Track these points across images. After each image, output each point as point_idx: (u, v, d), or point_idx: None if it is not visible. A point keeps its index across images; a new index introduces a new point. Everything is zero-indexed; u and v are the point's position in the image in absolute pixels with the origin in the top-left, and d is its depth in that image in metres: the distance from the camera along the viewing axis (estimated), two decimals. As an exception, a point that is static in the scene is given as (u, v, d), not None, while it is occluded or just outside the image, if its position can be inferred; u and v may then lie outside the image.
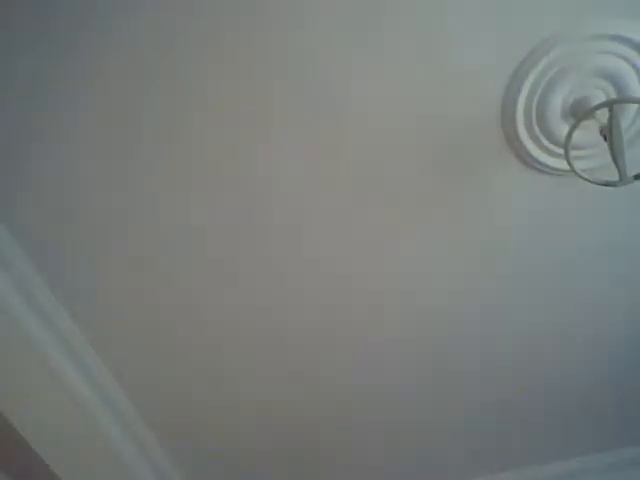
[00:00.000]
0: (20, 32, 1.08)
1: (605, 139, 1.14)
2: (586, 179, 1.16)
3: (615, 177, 1.14)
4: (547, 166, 1.27)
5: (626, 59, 1.16)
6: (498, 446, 1.94)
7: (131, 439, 1.78)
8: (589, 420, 1.88)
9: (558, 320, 1.59)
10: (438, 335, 1.60)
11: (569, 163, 1.15)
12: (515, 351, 1.66)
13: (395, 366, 1.67)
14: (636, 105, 1.20)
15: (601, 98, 1.18)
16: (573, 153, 1.19)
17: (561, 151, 1.23)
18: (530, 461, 2.00)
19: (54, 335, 1.49)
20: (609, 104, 1.10)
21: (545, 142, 1.23)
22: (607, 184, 1.16)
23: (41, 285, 1.42)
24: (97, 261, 1.39)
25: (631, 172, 1.13)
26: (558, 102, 1.19)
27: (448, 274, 1.47)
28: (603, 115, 1.14)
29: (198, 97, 1.17)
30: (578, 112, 1.17)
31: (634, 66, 1.17)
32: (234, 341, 1.58)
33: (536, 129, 1.22)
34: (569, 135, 1.12)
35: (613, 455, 1.99)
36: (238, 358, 1.62)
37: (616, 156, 1.13)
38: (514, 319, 1.58)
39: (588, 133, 1.20)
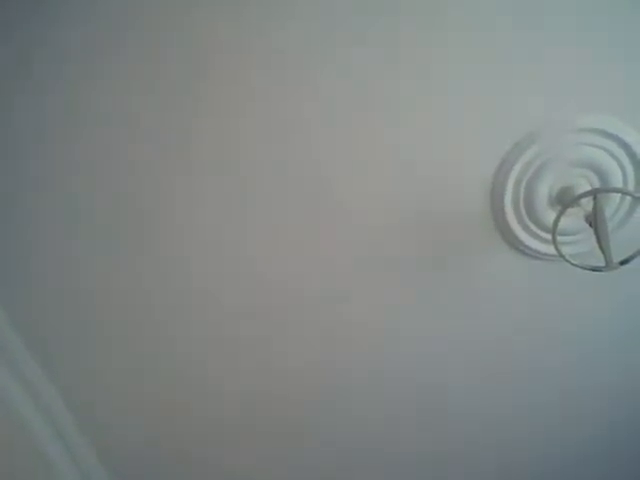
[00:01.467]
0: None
1: (590, 225, 1.19)
2: (574, 264, 1.20)
3: (602, 262, 1.18)
4: (537, 252, 1.31)
5: (609, 152, 1.23)
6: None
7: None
8: None
9: (542, 415, 1.59)
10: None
11: (557, 249, 1.19)
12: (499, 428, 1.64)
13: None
14: (619, 194, 1.25)
15: (585, 187, 1.24)
16: (561, 239, 1.24)
17: (549, 237, 1.27)
18: None
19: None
20: (593, 193, 1.15)
21: (534, 229, 1.28)
22: (594, 269, 1.20)
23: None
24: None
25: (617, 258, 1.17)
26: (544, 191, 1.24)
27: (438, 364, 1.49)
28: (588, 203, 1.19)
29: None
30: (564, 200, 1.23)
31: (616, 158, 1.23)
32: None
33: (525, 217, 1.27)
34: (556, 222, 1.17)
35: None
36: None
37: (601, 242, 1.17)
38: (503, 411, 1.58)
39: (574, 220, 1.25)
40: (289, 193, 1.27)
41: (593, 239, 1.19)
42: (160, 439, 1.61)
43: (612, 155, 1.23)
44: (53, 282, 1.36)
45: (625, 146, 1.22)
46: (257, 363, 1.48)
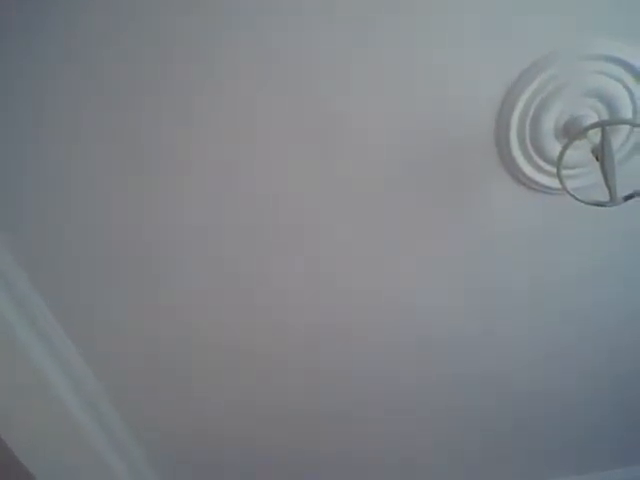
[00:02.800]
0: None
1: (597, 159, 1.15)
2: (577, 198, 1.18)
3: (606, 197, 1.15)
4: (540, 184, 1.28)
5: (620, 81, 1.18)
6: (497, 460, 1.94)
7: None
8: (587, 438, 1.88)
9: (545, 338, 1.60)
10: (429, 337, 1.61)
11: (561, 182, 1.16)
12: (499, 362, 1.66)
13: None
14: (628, 126, 1.21)
15: (594, 118, 1.19)
16: (565, 172, 1.20)
17: (554, 170, 1.24)
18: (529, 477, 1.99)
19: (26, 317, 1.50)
20: (601, 125, 1.11)
21: (538, 160, 1.24)
22: (597, 204, 1.17)
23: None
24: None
25: (622, 193, 1.14)
26: (551, 121, 1.20)
27: (435, 290, 1.48)
28: (595, 135, 1.15)
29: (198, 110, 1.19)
30: (571, 132, 1.19)
31: (627, 88, 1.18)
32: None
33: (529, 147, 1.24)
34: (561, 154, 1.13)
35: (613, 474, 1.97)
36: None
37: (607, 177, 1.14)
38: (500, 336, 1.58)
39: (580, 152, 1.21)
40: (299, 125, 1.23)
41: (598, 173, 1.16)
42: (160, 365, 1.64)
43: (624, 85, 1.18)
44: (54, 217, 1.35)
45: (639, 76, 1.16)
46: (259, 297, 1.48)
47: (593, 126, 1.12)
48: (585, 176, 1.26)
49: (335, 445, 1.89)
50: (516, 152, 1.25)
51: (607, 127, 1.12)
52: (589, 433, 1.86)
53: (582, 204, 1.20)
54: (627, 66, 1.16)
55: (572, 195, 1.17)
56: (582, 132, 1.13)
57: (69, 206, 1.33)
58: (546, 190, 1.29)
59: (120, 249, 1.40)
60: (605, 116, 1.19)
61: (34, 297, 1.46)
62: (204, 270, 1.44)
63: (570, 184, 1.21)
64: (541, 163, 1.25)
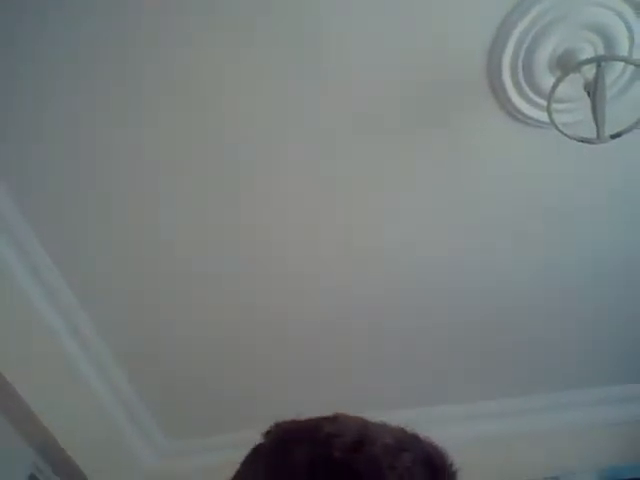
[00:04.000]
0: None
1: (589, 95, 1.14)
2: (564, 133, 1.17)
3: (593, 134, 1.15)
4: (528, 117, 1.27)
5: (619, 15, 1.15)
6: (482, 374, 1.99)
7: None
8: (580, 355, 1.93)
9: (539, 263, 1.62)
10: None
11: (550, 116, 1.15)
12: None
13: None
14: (622, 63, 1.19)
15: (589, 52, 1.17)
16: (555, 106, 1.19)
17: (544, 103, 1.22)
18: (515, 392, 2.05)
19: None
20: (597, 60, 1.10)
21: (529, 93, 1.23)
22: (584, 140, 1.17)
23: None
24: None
25: (609, 131, 1.14)
26: (546, 53, 1.18)
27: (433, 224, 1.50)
28: (589, 70, 1.13)
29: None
30: (565, 65, 1.16)
31: (626, 23, 1.15)
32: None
33: (521, 79, 1.22)
34: (554, 87, 1.12)
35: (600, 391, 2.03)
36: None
37: (597, 113, 1.13)
38: (495, 263, 1.61)
39: (572, 87, 1.19)
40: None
41: (588, 110, 1.15)
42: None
43: (623, 19, 1.15)
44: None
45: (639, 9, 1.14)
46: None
47: (588, 61, 1.10)
48: (575, 112, 1.25)
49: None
50: (507, 82, 1.23)
51: (602, 63, 1.10)
52: (589, 349, 1.92)
53: (568, 140, 1.19)
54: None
55: (559, 130, 1.17)
56: (577, 66, 1.11)
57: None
58: (534, 123, 1.28)
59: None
60: (601, 51, 1.17)
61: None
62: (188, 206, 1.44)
63: (559, 118, 1.19)
64: (531, 95, 1.24)
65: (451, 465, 0.53)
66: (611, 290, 1.70)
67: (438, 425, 1.99)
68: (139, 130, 1.30)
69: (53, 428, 1.66)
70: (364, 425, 0.53)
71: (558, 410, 2.01)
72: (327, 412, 0.56)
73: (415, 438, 0.54)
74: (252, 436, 1.86)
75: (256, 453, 0.57)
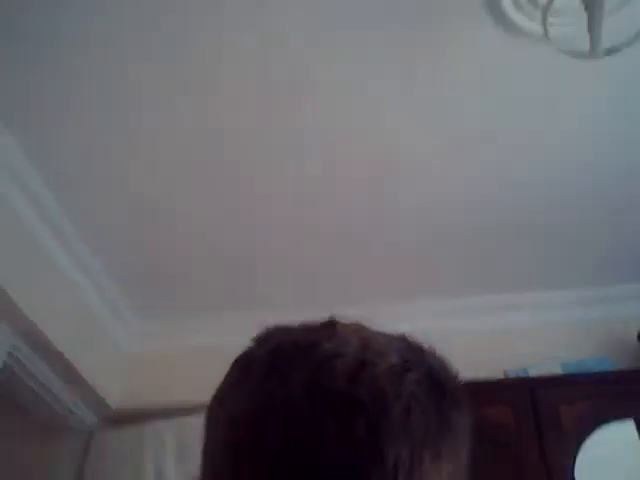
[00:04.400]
0: None
1: (586, 8, 1.09)
2: (557, 47, 1.13)
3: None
4: (521, 28, 1.22)
5: None
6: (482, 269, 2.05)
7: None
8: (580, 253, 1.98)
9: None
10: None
11: (545, 28, 1.11)
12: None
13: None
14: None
15: (589, -39, 1.11)
16: (551, 20, 1.14)
17: (539, 14, 1.17)
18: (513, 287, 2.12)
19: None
20: (597, -29, 1.04)
21: (525, 3, 1.17)
22: (577, 56, 1.14)
23: None
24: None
25: (604, 47, 1.10)
26: (545, -40, 1.11)
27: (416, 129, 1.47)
28: (588, -19, 1.08)
29: None
30: (564, -26, 1.11)
31: None
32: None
33: (518, -12, 1.16)
34: None
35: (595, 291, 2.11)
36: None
37: (593, 27, 1.09)
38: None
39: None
40: None
41: (583, 25, 1.10)
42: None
43: None
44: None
45: None
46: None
47: (588, -29, 1.04)
48: (570, 26, 1.20)
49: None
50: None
51: (603, -28, 1.05)
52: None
53: (563, 56, 1.15)
54: None
55: (552, 43, 1.13)
56: (576, -24, 1.06)
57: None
58: (527, 35, 1.23)
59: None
60: (602, -42, 1.11)
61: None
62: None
63: (553, 32, 1.15)
64: (526, 6, 1.18)
65: (455, 379, 0.50)
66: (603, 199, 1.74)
67: (422, 317, 2.10)
68: None
69: (30, 312, 1.69)
70: (365, 339, 0.48)
71: (529, 308, 2.11)
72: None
73: (419, 351, 0.50)
74: (234, 319, 1.89)
75: (248, 369, 0.49)
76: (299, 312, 1.78)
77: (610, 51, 1.12)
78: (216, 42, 1.28)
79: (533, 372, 1.88)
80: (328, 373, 0.44)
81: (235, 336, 1.91)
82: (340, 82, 1.37)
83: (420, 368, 0.47)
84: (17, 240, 1.66)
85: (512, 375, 1.90)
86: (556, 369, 1.88)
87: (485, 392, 1.75)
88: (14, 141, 1.49)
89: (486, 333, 2.07)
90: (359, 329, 0.50)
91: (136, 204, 1.73)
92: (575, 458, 1.61)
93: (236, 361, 0.51)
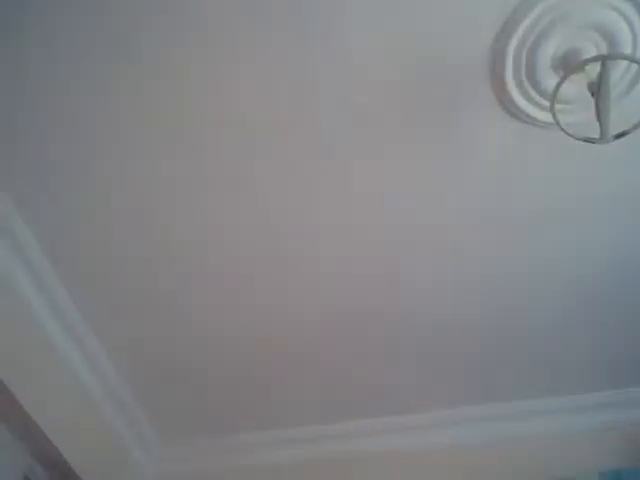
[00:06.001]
0: None
1: (592, 95, 1.13)
2: (568, 133, 1.16)
3: (597, 134, 1.14)
4: (531, 117, 1.25)
5: (622, 14, 1.14)
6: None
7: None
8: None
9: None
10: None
11: (554, 115, 1.14)
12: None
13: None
14: (626, 62, 1.18)
15: (592, 52, 1.16)
16: (558, 107, 1.18)
17: (547, 103, 1.21)
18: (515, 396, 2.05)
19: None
20: (602, 59, 1.08)
21: (532, 93, 1.21)
22: (587, 140, 1.16)
23: None
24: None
25: (613, 131, 1.13)
26: (549, 52, 1.17)
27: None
28: (593, 70, 1.12)
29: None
30: (569, 64, 1.15)
31: (629, 22, 1.15)
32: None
33: (524, 79, 1.20)
34: (557, 87, 1.10)
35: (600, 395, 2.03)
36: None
37: (601, 113, 1.12)
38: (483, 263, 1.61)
39: (575, 87, 1.18)
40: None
41: (591, 111, 1.14)
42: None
43: (625, 19, 1.14)
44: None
45: (641, 9, 1.13)
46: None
47: (593, 59, 1.09)
48: (578, 113, 1.24)
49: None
50: (510, 82, 1.21)
51: (607, 61, 1.09)
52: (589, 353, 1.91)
53: (573, 140, 1.18)
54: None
55: (563, 129, 1.15)
56: (581, 65, 1.10)
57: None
58: (538, 124, 1.27)
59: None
60: (604, 50, 1.16)
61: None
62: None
63: (563, 118, 1.18)
64: (534, 95, 1.22)
65: None
66: (612, 289, 1.70)
67: (450, 426, 2.01)
68: None
69: (48, 431, 1.63)
70: None
71: (559, 414, 2.01)
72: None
73: None
74: (250, 439, 1.83)
75: None
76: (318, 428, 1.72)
77: (620, 135, 1.14)
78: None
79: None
80: None
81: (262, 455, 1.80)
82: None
83: None
84: (35, 352, 1.62)
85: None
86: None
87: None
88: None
89: (515, 441, 1.96)
90: None
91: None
92: None
93: None
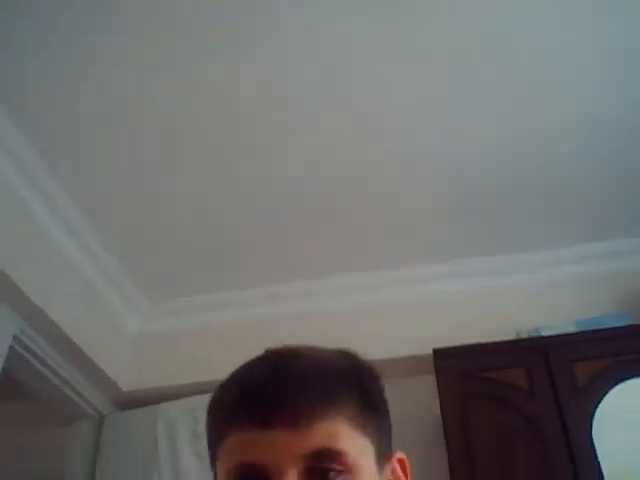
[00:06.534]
0: None
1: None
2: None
3: None
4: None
5: None
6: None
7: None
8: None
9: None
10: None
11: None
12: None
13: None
14: None
15: None
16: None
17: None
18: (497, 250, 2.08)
19: None
20: None
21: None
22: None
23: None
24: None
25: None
26: None
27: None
28: None
29: None
30: None
31: None
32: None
33: None
34: None
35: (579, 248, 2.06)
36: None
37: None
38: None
39: None
40: None
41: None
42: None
43: None
44: None
45: None
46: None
47: None
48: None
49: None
50: None
51: None
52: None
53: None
54: None
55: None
56: None
57: None
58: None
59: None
60: None
61: None
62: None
63: None
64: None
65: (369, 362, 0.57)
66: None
67: (423, 282, 2.06)
68: None
69: (34, 295, 1.68)
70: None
71: (539, 266, 2.05)
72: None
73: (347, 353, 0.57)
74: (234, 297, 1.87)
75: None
76: (308, 283, 1.76)
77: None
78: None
79: (546, 332, 1.82)
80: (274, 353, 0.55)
81: (244, 312, 1.88)
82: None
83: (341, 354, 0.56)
84: (17, 222, 1.65)
85: (524, 335, 1.84)
86: (570, 328, 1.82)
87: (497, 354, 1.72)
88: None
89: (497, 294, 2.02)
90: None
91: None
92: (592, 418, 1.56)
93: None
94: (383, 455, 0.54)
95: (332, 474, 0.48)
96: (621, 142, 1.68)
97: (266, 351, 0.55)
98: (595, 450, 1.51)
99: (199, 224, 1.92)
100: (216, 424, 0.54)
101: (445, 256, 2.08)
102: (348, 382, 0.53)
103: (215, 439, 0.54)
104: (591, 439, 1.53)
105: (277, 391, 0.50)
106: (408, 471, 0.57)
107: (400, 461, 0.57)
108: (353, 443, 0.50)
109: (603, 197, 1.87)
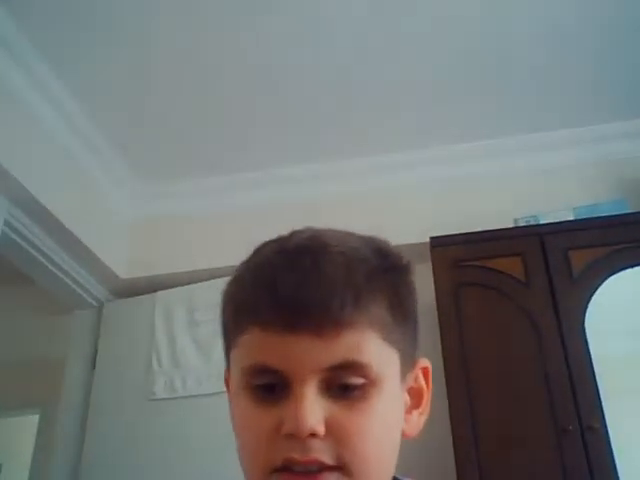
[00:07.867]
0: None
1: None
2: None
3: None
4: None
5: None
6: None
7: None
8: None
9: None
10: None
11: None
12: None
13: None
14: None
15: None
16: None
17: None
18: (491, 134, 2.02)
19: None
20: None
21: None
22: None
23: None
24: None
25: None
26: None
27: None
28: None
29: None
30: None
31: None
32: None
33: None
34: None
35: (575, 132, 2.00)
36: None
37: None
38: None
39: None
40: None
41: None
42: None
43: None
44: None
45: None
46: None
47: None
48: None
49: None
50: None
51: None
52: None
53: None
54: None
55: None
56: None
57: None
58: None
59: None
60: None
61: None
62: None
63: None
64: None
65: (402, 258, 0.55)
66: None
67: (415, 167, 2.00)
68: None
69: (23, 179, 1.64)
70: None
71: (534, 151, 2.00)
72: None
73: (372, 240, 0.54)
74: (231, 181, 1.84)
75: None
76: (299, 165, 1.72)
77: None
78: None
79: (544, 219, 1.80)
80: (290, 239, 0.52)
81: (246, 197, 1.84)
82: None
83: (366, 240, 0.53)
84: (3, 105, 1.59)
85: (522, 223, 1.82)
86: (568, 215, 1.79)
87: (494, 242, 1.70)
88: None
89: (493, 179, 1.98)
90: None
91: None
92: (587, 307, 1.57)
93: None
94: (407, 363, 0.52)
95: (353, 386, 0.47)
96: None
97: (292, 234, 0.52)
98: (587, 341, 1.52)
99: (201, 96, 1.83)
100: (235, 314, 0.52)
101: (444, 139, 2.02)
102: (380, 283, 0.50)
103: (233, 329, 0.51)
104: (583, 328, 1.54)
105: (306, 293, 0.47)
106: (430, 379, 0.55)
107: (424, 369, 0.55)
108: (378, 354, 0.48)
109: (606, 76, 1.80)
